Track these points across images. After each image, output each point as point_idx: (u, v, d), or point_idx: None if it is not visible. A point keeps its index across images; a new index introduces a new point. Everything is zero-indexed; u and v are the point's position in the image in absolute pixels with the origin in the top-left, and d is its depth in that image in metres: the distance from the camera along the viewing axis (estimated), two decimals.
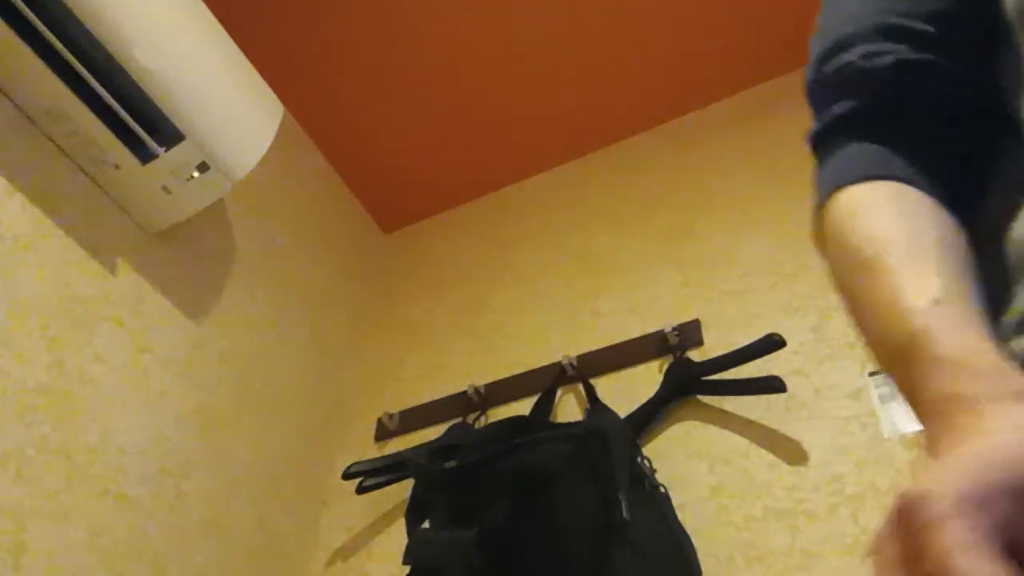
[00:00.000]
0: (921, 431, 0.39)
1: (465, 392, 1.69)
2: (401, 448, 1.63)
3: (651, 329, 1.59)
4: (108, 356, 1.38)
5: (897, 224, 0.47)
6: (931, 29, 0.53)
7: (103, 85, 1.32)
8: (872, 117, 0.54)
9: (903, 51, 0.53)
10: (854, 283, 0.48)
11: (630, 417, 1.43)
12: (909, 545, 0.30)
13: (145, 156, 1.39)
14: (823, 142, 0.57)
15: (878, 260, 0.45)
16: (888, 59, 0.53)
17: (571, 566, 1.15)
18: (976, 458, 0.31)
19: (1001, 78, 0.51)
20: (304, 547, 1.66)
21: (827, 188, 0.54)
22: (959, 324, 0.40)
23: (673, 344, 1.52)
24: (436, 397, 1.76)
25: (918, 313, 0.41)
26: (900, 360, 0.41)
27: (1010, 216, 0.46)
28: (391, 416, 1.78)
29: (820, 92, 0.58)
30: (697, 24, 1.87)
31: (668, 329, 1.53)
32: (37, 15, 1.24)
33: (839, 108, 0.55)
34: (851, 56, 0.55)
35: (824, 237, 0.54)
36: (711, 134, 1.93)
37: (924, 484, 0.31)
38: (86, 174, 1.44)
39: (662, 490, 1.31)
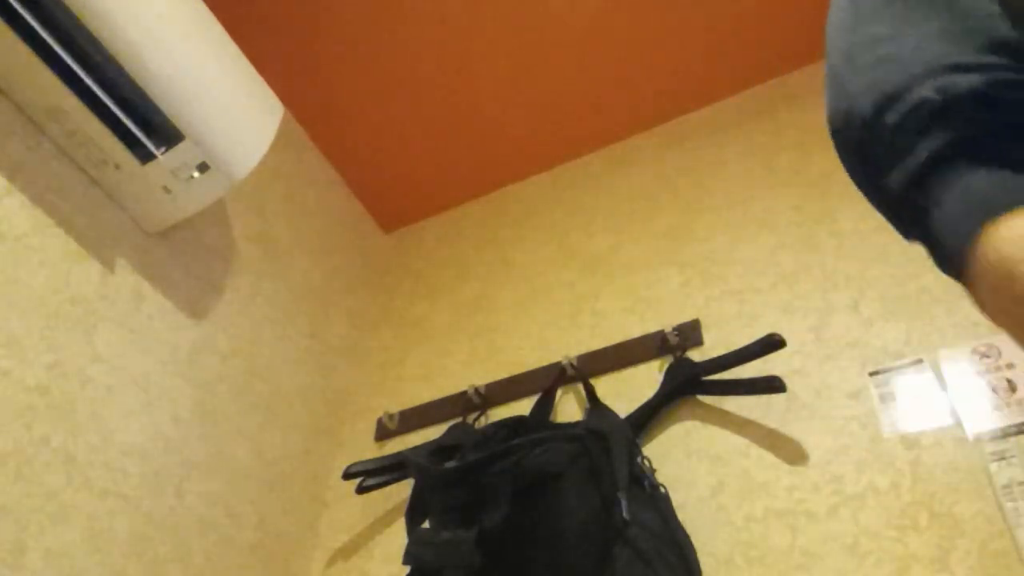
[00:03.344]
0: None
1: (465, 392, 1.69)
2: (401, 448, 1.63)
3: (651, 329, 1.59)
4: (108, 356, 1.38)
5: None
6: (996, 58, 0.46)
7: (103, 85, 1.32)
8: (978, 144, 0.46)
9: (977, 78, 0.46)
10: None
11: (630, 417, 1.43)
12: None
13: (145, 156, 1.39)
14: (919, 185, 0.48)
15: None
16: (972, 80, 0.46)
17: (571, 566, 1.15)
18: None
19: None
20: (304, 547, 1.66)
21: (977, 218, 0.44)
22: None
23: (673, 344, 1.52)
24: (436, 397, 1.77)
25: None
26: None
27: None
28: (391, 416, 1.78)
29: (889, 144, 0.49)
30: (697, 24, 1.87)
31: (668, 329, 1.53)
32: (37, 15, 1.24)
33: (930, 144, 0.47)
34: (920, 94, 0.47)
35: (995, 268, 0.44)
36: (711, 134, 1.93)
37: None
38: (86, 174, 1.44)
39: (662, 490, 1.31)
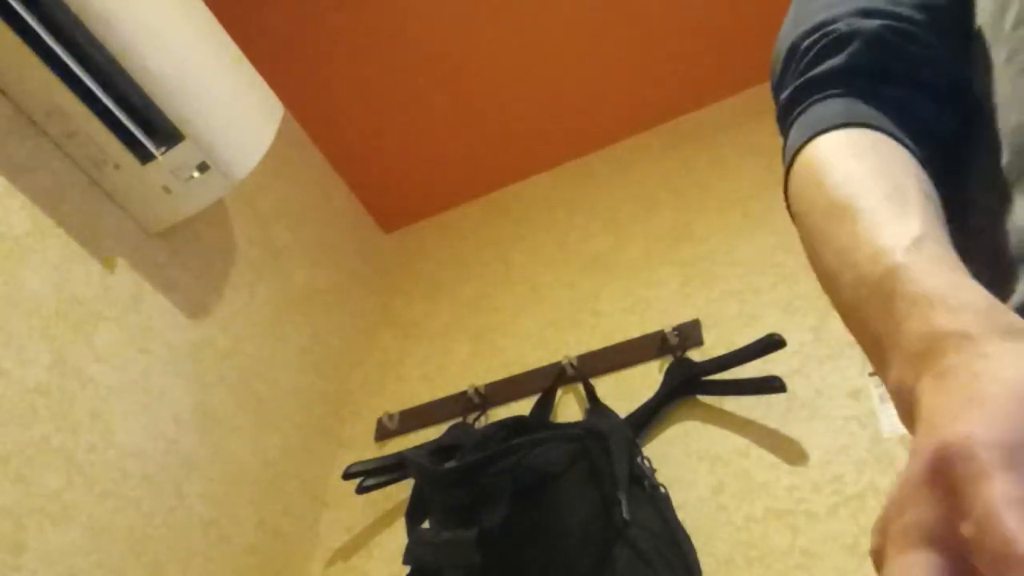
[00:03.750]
0: (897, 378, 0.35)
1: (465, 392, 1.69)
2: (401, 448, 1.63)
3: (651, 329, 1.59)
4: (108, 356, 1.38)
5: (873, 166, 0.44)
6: (917, 14, 0.51)
7: (103, 85, 1.32)
8: (848, 75, 0.51)
9: (879, 22, 0.51)
10: (825, 226, 0.44)
11: (630, 417, 1.43)
12: (945, 503, 0.27)
13: (145, 156, 1.39)
14: (793, 106, 0.54)
15: (853, 200, 0.42)
16: (870, 24, 0.51)
17: (571, 566, 1.15)
18: (1008, 402, 0.28)
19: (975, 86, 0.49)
20: (304, 547, 1.66)
21: (796, 142, 0.50)
22: (942, 262, 0.37)
23: (673, 344, 1.52)
24: (436, 397, 1.77)
25: (897, 250, 0.38)
26: (875, 301, 0.37)
27: (1001, 209, 0.43)
28: (391, 416, 1.78)
29: (797, 64, 0.54)
30: (697, 24, 1.87)
31: (668, 329, 1.53)
32: (37, 15, 1.24)
33: (813, 72, 0.52)
34: (833, 27, 0.52)
35: (793, 192, 0.50)
36: (711, 134, 1.93)
37: (958, 432, 0.27)
38: (86, 174, 1.44)
39: (662, 490, 1.31)
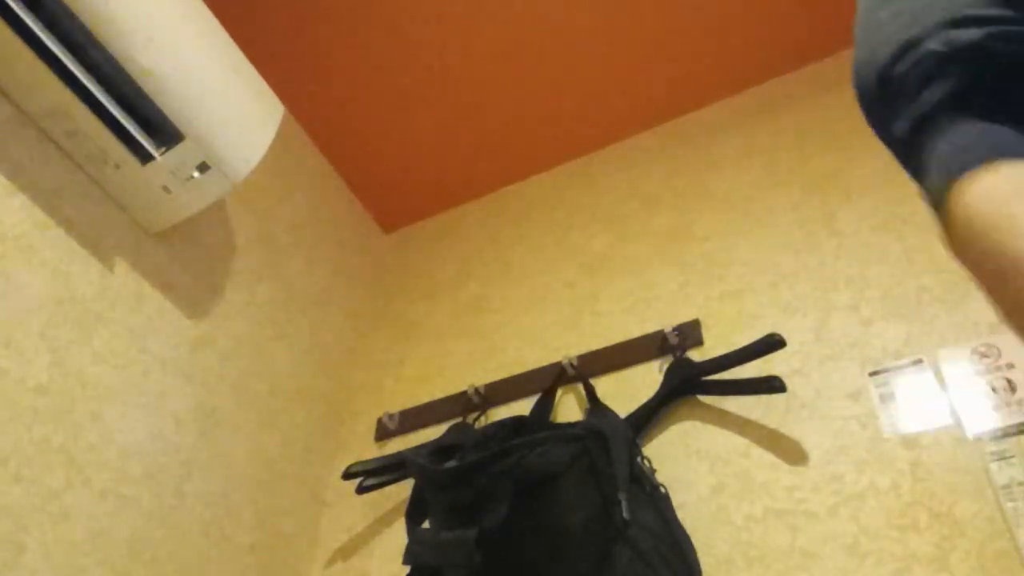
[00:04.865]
0: None
1: (465, 392, 1.69)
2: (401, 448, 1.63)
3: (651, 329, 1.59)
4: (108, 356, 1.38)
5: None
6: (1009, 12, 0.48)
7: (103, 85, 1.32)
8: (972, 94, 0.48)
9: (977, 32, 0.48)
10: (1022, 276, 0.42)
11: (630, 417, 1.43)
12: None
13: (145, 156, 1.39)
14: (919, 131, 0.51)
15: None
16: (972, 35, 0.48)
17: (571, 566, 1.15)
18: None
19: None
20: (304, 547, 1.66)
21: (952, 170, 0.47)
22: None
23: (673, 344, 1.52)
24: (436, 397, 1.77)
25: None
26: None
27: None
28: (391, 416, 1.78)
29: (897, 92, 0.51)
30: (697, 24, 1.87)
31: (668, 329, 1.53)
32: (37, 15, 1.24)
33: (931, 94, 0.49)
34: (927, 47, 0.49)
35: (960, 222, 0.47)
36: (711, 134, 1.93)
37: None
38: (86, 174, 1.44)
39: (662, 490, 1.31)
